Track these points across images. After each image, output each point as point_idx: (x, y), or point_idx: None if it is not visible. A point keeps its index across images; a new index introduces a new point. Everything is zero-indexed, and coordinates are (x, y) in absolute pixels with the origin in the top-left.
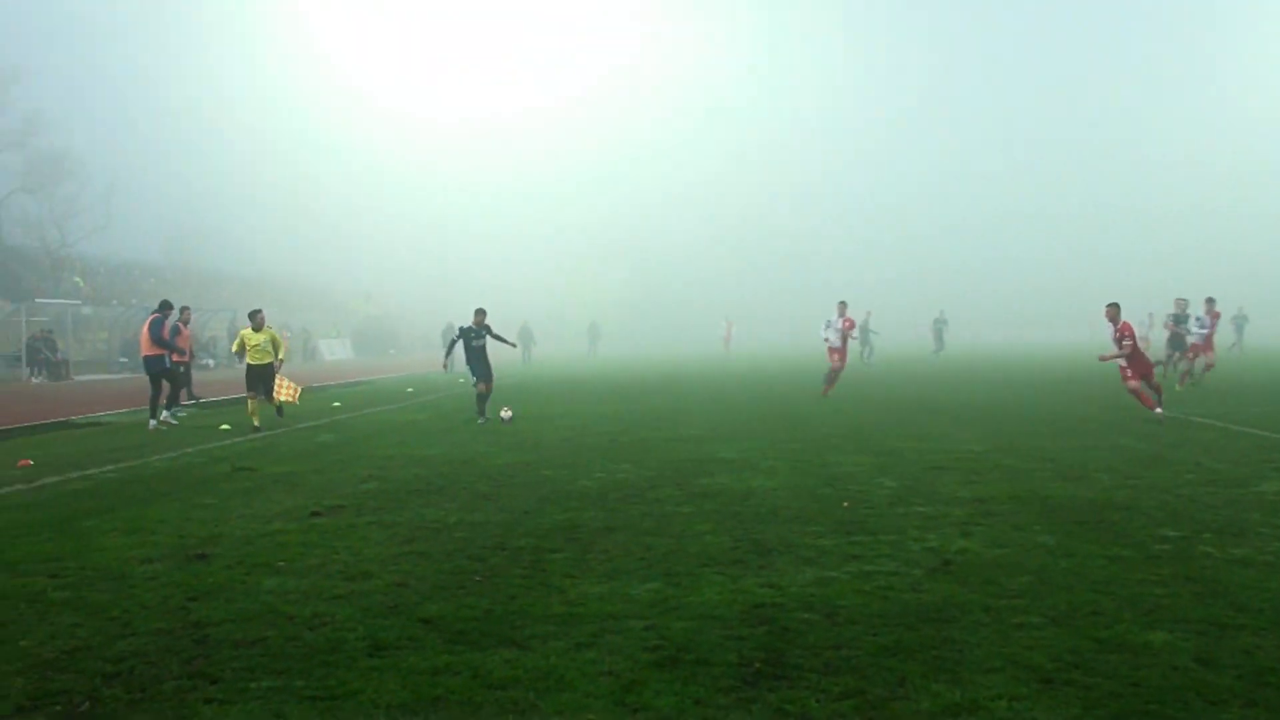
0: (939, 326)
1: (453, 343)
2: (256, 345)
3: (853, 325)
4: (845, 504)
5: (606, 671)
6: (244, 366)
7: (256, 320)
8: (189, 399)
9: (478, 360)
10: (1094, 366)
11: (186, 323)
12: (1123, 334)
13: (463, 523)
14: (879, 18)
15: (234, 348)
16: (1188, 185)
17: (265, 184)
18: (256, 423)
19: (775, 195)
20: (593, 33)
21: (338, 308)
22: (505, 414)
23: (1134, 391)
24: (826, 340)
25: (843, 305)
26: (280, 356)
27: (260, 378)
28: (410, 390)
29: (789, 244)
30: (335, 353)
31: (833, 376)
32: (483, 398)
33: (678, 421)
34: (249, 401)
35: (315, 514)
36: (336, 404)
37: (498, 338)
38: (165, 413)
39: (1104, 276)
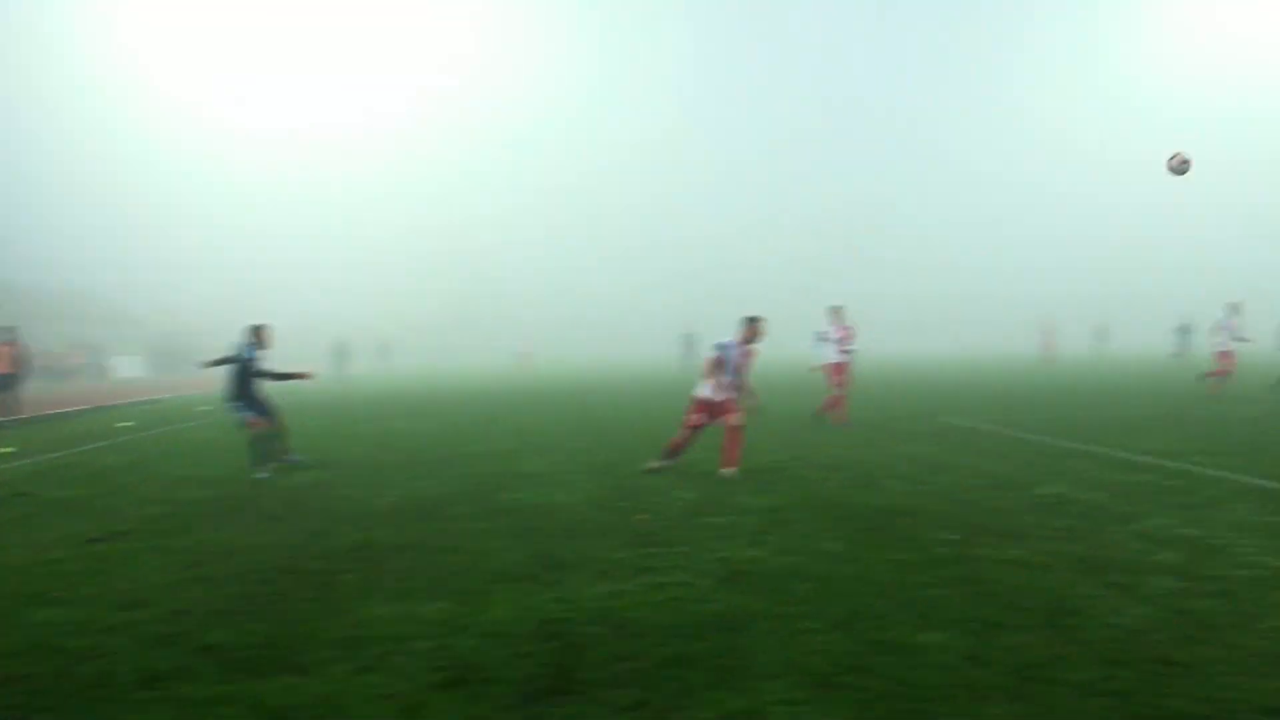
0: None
1: (223, 362)
2: None
3: (850, 335)
4: (644, 515)
5: (388, 695)
6: None
7: None
8: None
9: (258, 390)
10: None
11: None
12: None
13: (252, 545)
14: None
15: None
16: None
17: (58, 192)
18: None
19: (609, 211)
20: (415, 43)
21: (133, 322)
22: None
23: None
24: (823, 356)
25: (837, 311)
26: None
27: None
28: (206, 408)
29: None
30: (128, 370)
31: (833, 403)
32: (265, 439)
33: (482, 436)
34: None
35: (93, 540)
36: (128, 423)
37: (279, 376)
38: None
39: None
